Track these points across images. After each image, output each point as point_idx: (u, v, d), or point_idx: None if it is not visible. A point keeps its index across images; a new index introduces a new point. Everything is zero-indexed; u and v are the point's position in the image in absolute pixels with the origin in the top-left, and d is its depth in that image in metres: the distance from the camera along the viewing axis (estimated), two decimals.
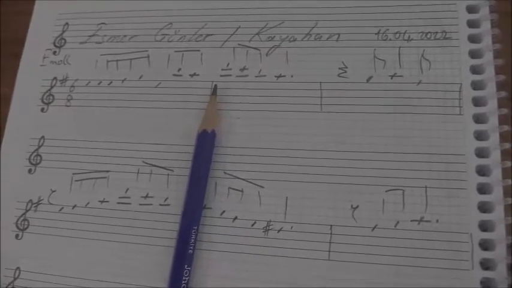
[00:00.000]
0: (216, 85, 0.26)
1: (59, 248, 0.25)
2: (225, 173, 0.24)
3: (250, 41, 0.26)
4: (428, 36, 0.25)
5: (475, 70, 0.24)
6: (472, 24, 0.25)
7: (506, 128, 0.23)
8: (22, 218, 0.26)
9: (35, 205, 0.26)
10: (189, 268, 0.22)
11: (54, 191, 0.26)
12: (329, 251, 0.22)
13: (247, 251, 0.23)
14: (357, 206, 0.23)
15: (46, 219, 0.26)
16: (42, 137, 0.27)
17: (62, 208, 0.25)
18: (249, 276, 0.23)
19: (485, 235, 0.22)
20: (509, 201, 0.22)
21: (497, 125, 0.23)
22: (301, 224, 0.23)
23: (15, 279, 0.25)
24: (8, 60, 0.30)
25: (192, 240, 0.23)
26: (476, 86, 0.24)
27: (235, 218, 0.24)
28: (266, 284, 0.22)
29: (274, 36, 0.26)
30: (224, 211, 0.24)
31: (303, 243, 0.23)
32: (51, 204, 0.26)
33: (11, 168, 0.27)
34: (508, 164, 0.22)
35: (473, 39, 0.24)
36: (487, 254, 0.21)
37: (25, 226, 0.26)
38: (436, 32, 0.25)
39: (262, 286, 0.22)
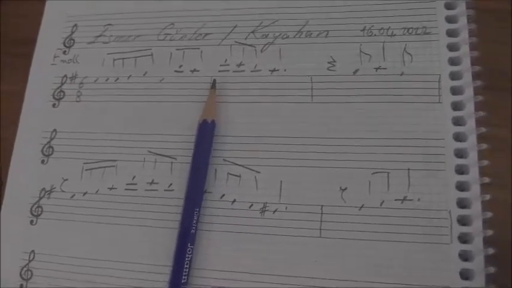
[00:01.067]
0: (215, 79, 0.27)
1: (70, 231, 0.27)
2: (224, 159, 0.26)
3: (246, 38, 0.28)
4: (410, 31, 0.26)
5: (452, 62, 0.25)
6: (450, 19, 0.26)
7: (481, 114, 0.24)
8: (36, 205, 0.28)
9: (48, 193, 0.28)
10: (192, 246, 0.24)
11: (66, 180, 0.28)
12: (320, 229, 0.24)
13: (245, 230, 0.25)
14: (346, 188, 0.25)
15: (58, 206, 0.27)
16: (54, 130, 0.29)
17: (74, 195, 0.27)
18: (247, 254, 0.24)
19: (463, 211, 0.23)
20: (484, 181, 0.23)
21: (473, 112, 0.24)
22: (295, 205, 0.25)
23: (30, 261, 0.27)
24: (18, 60, 0.31)
25: (194, 221, 0.24)
26: (454, 76, 0.25)
27: (234, 200, 0.25)
28: (263, 261, 0.24)
29: (268, 34, 0.28)
30: (224, 195, 0.26)
31: (296, 222, 0.24)
32: (63, 191, 0.27)
33: (25, 159, 0.29)
34: (484, 146, 0.24)
35: (451, 33, 0.26)
36: (464, 229, 0.23)
37: (39, 212, 0.27)
38: (417, 28, 0.26)
39: (259, 263, 0.24)
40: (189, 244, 0.24)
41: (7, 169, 0.29)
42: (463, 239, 0.23)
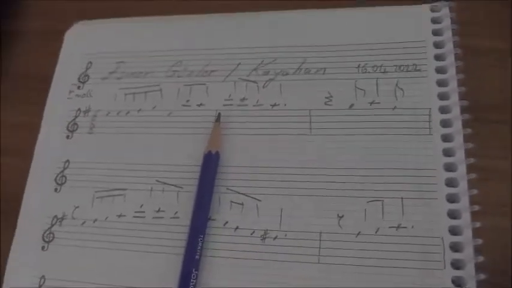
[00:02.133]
0: (219, 113, 0.29)
1: (80, 257, 0.28)
2: (227, 188, 0.27)
3: (248, 75, 0.30)
4: (402, 68, 0.28)
5: (442, 97, 0.27)
6: (438, 57, 0.28)
7: (470, 145, 0.25)
8: (48, 232, 0.29)
9: (59, 220, 0.29)
10: (197, 272, 0.25)
11: (77, 207, 0.29)
12: (319, 255, 0.25)
13: (247, 256, 0.26)
14: (343, 216, 0.26)
15: (69, 232, 0.28)
16: (67, 160, 0.30)
17: (84, 222, 0.28)
18: (249, 278, 0.25)
19: (455, 238, 0.24)
20: (475, 208, 0.24)
21: (462, 143, 0.26)
22: (294, 232, 0.26)
23: (40, 286, 0.27)
24: (36, 94, 0.33)
25: (199, 247, 0.25)
26: (443, 110, 0.27)
27: (237, 227, 0.26)
28: (263, 285, 0.25)
29: (269, 71, 0.30)
30: (227, 222, 0.27)
31: (295, 248, 0.25)
32: (74, 218, 0.29)
33: (39, 188, 0.30)
34: (473, 176, 0.25)
35: (439, 70, 0.28)
36: (457, 255, 0.24)
37: (50, 238, 0.29)
38: (408, 65, 0.28)
39: (260, 286, 0.25)
40: (193, 269, 0.25)
41: (21, 197, 0.30)
42: (456, 265, 0.24)
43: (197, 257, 0.25)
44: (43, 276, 0.28)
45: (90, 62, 0.33)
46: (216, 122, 0.29)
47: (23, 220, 0.30)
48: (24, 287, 0.28)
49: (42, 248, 0.29)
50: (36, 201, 0.30)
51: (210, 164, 0.27)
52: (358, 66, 0.29)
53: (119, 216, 0.28)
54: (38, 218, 0.29)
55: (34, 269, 0.28)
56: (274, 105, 0.29)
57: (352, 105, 0.28)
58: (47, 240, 0.29)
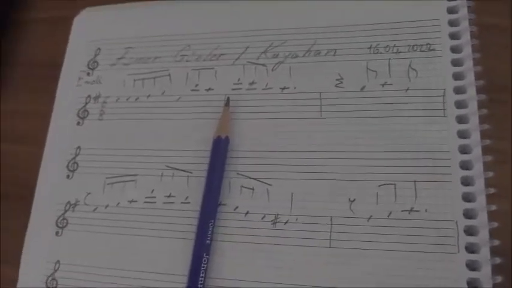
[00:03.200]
0: (228, 97, 0.29)
1: (93, 242, 0.28)
2: (237, 173, 0.27)
3: (257, 58, 0.30)
4: (415, 48, 0.27)
5: (457, 77, 0.26)
6: (453, 36, 0.27)
7: (486, 126, 0.25)
8: (61, 218, 0.29)
9: (72, 206, 0.29)
10: (208, 256, 0.25)
11: (89, 193, 0.29)
12: (330, 240, 0.25)
13: (258, 241, 0.26)
14: (354, 200, 0.25)
15: (82, 218, 0.29)
16: (79, 147, 0.31)
17: (96, 208, 0.29)
18: (260, 262, 0.25)
19: (469, 222, 0.24)
20: (490, 191, 0.24)
21: (477, 124, 0.25)
22: (305, 216, 0.26)
23: (55, 271, 0.28)
24: (46, 82, 0.33)
25: (210, 232, 0.25)
26: (458, 90, 0.26)
27: (247, 212, 0.26)
28: (274, 270, 0.25)
29: (278, 54, 0.29)
30: (237, 207, 0.27)
31: (306, 233, 0.25)
32: (86, 204, 0.29)
33: (51, 175, 0.30)
34: (489, 158, 0.24)
35: (454, 49, 0.27)
36: (471, 239, 0.23)
37: (64, 224, 0.29)
38: (422, 45, 0.27)
39: (271, 272, 0.25)
40: (204, 254, 0.25)
41: (34, 185, 0.30)
42: (470, 249, 0.24)
43: (208, 241, 0.25)
44: (58, 261, 0.28)
45: (99, 48, 0.33)
46: (225, 106, 0.28)
47: (37, 206, 0.30)
48: (39, 272, 0.28)
49: (56, 233, 0.29)
50: (49, 188, 0.30)
51: (220, 149, 0.27)
52: (370, 47, 0.28)
53: (130, 202, 0.28)
54: (51, 204, 0.30)
55: (49, 254, 0.29)
56: (284, 88, 0.28)
57: (363, 87, 0.27)
58: (61, 226, 0.29)
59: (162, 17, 0.32)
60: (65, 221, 0.29)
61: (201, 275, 0.25)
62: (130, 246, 0.27)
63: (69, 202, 0.29)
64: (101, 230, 0.28)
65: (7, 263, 0.30)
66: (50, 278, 0.28)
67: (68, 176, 0.30)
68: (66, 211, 0.29)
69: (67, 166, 0.30)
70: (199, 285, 0.25)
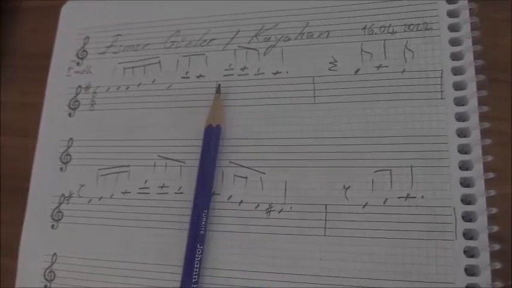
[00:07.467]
0: (219, 84, 0.28)
1: (89, 234, 0.28)
2: (230, 162, 0.27)
3: (249, 42, 0.29)
4: (411, 28, 0.26)
5: (455, 57, 0.25)
6: (451, 14, 0.26)
7: (485, 108, 0.24)
8: (56, 210, 0.29)
9: (67, 198, 0.29)
10: (202, 247, 0.25)
11: (83, 186, 0.29)
12: (325, 228, 0.25)
13: (252, 230, 0.25)
14: (349, 186, 0.25)
15: (77, 210, 0.29)
16: (71, 138, 0.30)
17: (90, 200, 0.29)
18: (254, 252, 0.25)
19: (468, 208, 0.23)
20: (489, 176, 0.23)
21: (476, 106, 0.24)
22: (299, 204, 0.25)
23: (52, 263, 0.28)
24: (35, 73, 0.33)
25: (203, 222, 0.25)
26: (456, 71, 0.25)
27: (241, 201, 0.26)
28: (269, 259, 0.25)
29: (270, 37, 0.28)
30: (231, 196, 0.26)
31: (301, 221, 0.25)
32: (80, 197, 0.29)
33: (45, 167, 0.30)
34: (488, 141, 0.23)
35: (453, 28, 0.26)
36: (469, 225, 0.23)
37: (59, 217, 0.29)
38: (418, 24, 0.26)
39: (266, 261, 0.25)
40: (198, 245, 0.25)
41: (29, 177, 0.30)
42: (468, 235, 0.23)
43: (202, 232, 0.25)
44: (55, 254, 0.28)
45: (88, 37, 0.32)
46: (217, 93, 0.28)
47: (32, 199, 0.30)
48: (37, 265, 0.28)
49: (52, 226, 0.29)
50: (44, 181, 0.30)
51: (211, 138, 0.27)
52: (364, 28, 0.27)
53: (124, 193, 0.28)
54: (46, 197, 0.30)
55: (45, 247, 0.29)
56: (276, 73, 0.28)
57: (358, 70, 0.26)
58: (56, 218, 0.29)
59: (151, 2, 0.31)
60: (60, 213, 0.29)
61: (196, 265, 0.25)
62: (125, 237, 0.27)
63: (63, 195, 0.29)
64: (96, 222, 0.28)
65: (6, 256, 0.30)
66: (48, 271, 0.28)
67: (61, 169, 0.30)
68: (61, 204, 0.29)
69: (60, 158, 0.30)
70: (194, 276, 0.25)
